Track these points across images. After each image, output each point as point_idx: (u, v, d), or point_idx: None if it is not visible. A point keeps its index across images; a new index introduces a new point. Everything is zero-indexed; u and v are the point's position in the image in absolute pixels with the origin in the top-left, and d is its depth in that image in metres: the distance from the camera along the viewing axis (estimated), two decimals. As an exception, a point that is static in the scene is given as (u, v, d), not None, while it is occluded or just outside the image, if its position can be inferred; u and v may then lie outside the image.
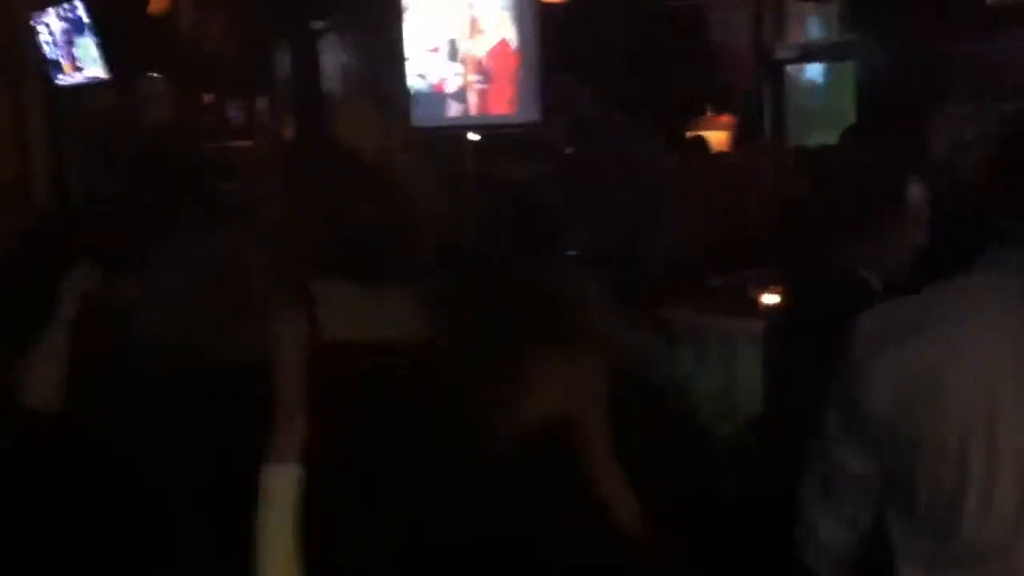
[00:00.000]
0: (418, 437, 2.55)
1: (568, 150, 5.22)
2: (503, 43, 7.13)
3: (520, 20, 6.95)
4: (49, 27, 7.74)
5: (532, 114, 7.03)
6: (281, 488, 2.50)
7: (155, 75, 6.54)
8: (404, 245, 2.69)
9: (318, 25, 6.83)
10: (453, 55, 7.24)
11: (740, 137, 7.24)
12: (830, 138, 4.62)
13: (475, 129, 7.12)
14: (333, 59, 6.43)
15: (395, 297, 2.62)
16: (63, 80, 7.68)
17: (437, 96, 7.28)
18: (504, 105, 7.28)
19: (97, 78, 7.24)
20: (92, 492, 2.69)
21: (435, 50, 7.17)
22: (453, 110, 7.34)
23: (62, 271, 2.78)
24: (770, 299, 3.57)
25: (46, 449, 2.74)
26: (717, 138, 7.23)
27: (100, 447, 2.69)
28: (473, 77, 7.26)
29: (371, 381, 2.51)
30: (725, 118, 7.68)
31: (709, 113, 7.75)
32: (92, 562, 2.67)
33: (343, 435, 2.57)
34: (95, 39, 7.21)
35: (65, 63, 7.66)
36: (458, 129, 7.16)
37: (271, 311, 2.63)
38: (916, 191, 2.73)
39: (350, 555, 2.47)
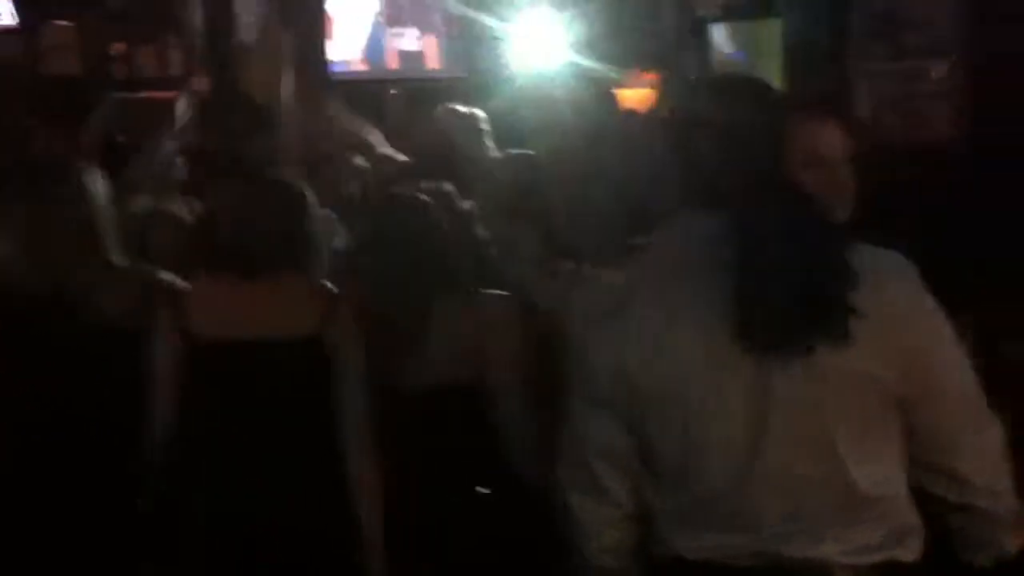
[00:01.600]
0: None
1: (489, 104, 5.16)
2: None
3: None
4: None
5: (459, 70, 6.94)
6: None
7: (62, 23, 6.33)
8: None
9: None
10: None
11: (666, 96, 7.20)
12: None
13: (397, 83, 7.00)
14: (247, 8, 6.25)
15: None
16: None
17: (360, 49, 7.15)
18: (428, 59, 7.17)
19: (3, 25, 6.97)
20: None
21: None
22: (375, 64, 7.21)
23: None
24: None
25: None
26: (644, 97, 7.19)
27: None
28: (394, 31, 7.14)
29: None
30: (651, 76, 7.64)
31: (636, 71, 7.71)
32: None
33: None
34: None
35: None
36: (379, 83, 7.02)
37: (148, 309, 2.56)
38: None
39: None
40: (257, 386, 2.47)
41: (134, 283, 2.62)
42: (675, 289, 1.71)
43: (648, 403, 1.72)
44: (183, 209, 3.59)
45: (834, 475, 1.68)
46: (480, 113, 4.27)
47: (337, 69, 7.04)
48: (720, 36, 6.58)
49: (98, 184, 2.71)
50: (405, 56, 7.24)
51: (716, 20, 6.54)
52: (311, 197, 2.72)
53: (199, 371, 2.51)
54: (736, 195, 1.70)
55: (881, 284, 1.68)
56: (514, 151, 4.03)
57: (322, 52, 6.74)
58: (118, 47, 6.45)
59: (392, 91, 6.94)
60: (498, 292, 2.81)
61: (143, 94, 5.72)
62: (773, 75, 5.32)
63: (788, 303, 1.62)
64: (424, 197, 2.93)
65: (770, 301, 1.62)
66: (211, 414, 2.51)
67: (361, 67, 7.25)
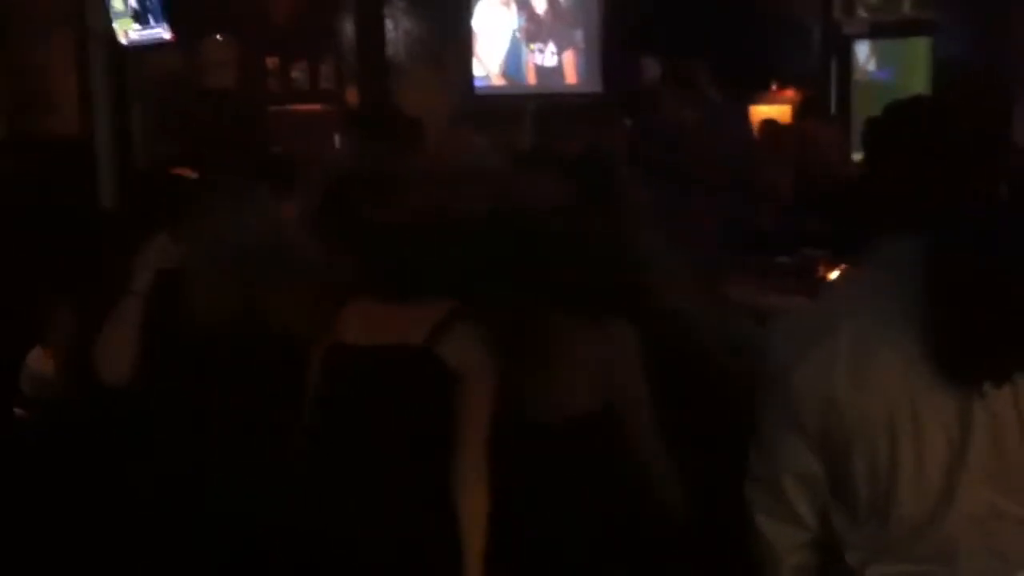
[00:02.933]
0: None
1: (628, 121, 5.21)
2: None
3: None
4: (115, -13, 7.78)
5: (595, 85, 6.99)
6: None
7: (219, 37, 6.56)
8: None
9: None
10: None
11: (804, 113, 7.14)
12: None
13: (536, 99, 7.08)
14: (399, 24, 6.41)
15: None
16: (128, 39, 7.73)
17: (499, 64, 7.25)
18: (566, 75, 7.24)
19: (162, 39, 7.26)
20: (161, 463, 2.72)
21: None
22: (513, 79, 7.31)
23: (134, 242, 2.79)
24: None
25: (121, 422, 2.78)
26: (780, 113, 7.14)
27: (169, 419, 2.71)
28: (535, 46, 7.23)
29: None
30: (789, 93, 7.58)
31: (773, 88, 7.65)
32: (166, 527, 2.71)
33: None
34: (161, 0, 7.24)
35: (128, 21, 7.71)
36: (518, 98, 7.12)
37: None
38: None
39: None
40: (368, 391, 2.48)
41: (315, 298, 2.67)
42: (880, 316, 1.69)
43: (850, 431, 1.71)
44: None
45: None
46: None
47: (478, 84, 7.18)
48: (864, 54, 6.49)
49: (269, 198, 2.81)
50: (543, 71, 7.33)
51: (862, 38, 6.45)
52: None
53: (325, 373, 2.55)
54: (937, 219, 1.67)
55: None
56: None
57: (468, 69, 6.88)
58: (272, 62, 6.66)
59: (530, 106, 7.04)
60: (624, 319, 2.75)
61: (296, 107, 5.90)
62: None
63: (991, 331, 1.61)
64: (562, 217, 2.90)
65: (973, 329, 1.61)
66: (330, 416, 2.52)
67: (501, 82, 7.37)
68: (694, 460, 2.55)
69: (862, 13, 6.54)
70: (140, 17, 7.41)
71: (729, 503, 1.97)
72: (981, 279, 1.62)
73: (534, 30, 7.32)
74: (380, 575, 2.44)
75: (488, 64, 7.32)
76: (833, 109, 7.04)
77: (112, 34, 7.56)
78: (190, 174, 3.44)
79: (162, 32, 7.16)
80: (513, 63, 7.35)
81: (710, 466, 2.44)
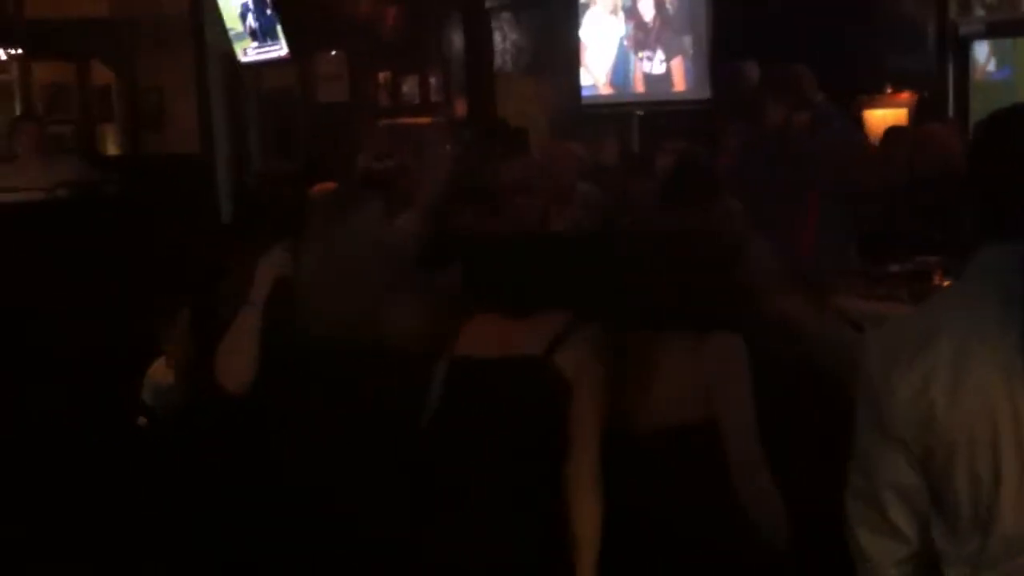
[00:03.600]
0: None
1: (735, 128, 5.17)
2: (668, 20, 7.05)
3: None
4: (232, 5, 8.00)
5: (703, 91, 6.93)
6: None
7: (332, 52, 6.69)
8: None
9: (492, 2, 6.87)
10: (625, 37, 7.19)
11: (920, 116, 6.98)
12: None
13: (643, 106, 7.06)
14: (505, 36, 6.47)
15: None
16: (245, 57, 7.94)
17: (607, 72, 7.25)
18: (674, 82, 7.20)
19: (277, 56, 7.45)
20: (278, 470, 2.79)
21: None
22: (621, 88, 7.30)
23: (252, 252, 2.87)
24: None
25: (242, 430, 2.84)
26: (896, 116, 6.99)
27: (286, 425, 2.78)
28: (643, 54, 7.20)
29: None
30: (905, 96, 7.41)
31: (888, 91, 7.50)
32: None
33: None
34: (276, 17, 7.41)
35: (247, 41, 7.92)
36: (626, 106, 7.11)
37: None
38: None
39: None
40: (488, 402, 2.50)
41: (430, 311, 2.71)
42: (981, 327, 1.66)
43: (950, 444, 1.67)
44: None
45: None
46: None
47: (586, 94, 7.18)
48: (983, 54, 6.31)
49: (382, 209, 2.87)
50: (650, 79, 7.29)
51: (980, 37, 6.27)
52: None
53: (448, 386, 2.58)
54: None
55: None
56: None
57: (576, 79, 6.89)
58: (384, 75, 6.76)
59: (639, 113, 7.02)
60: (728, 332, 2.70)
61: (406, 120, 5.99)
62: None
63: None
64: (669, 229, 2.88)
65: None
66: (452, 427, 2.54)
67: (608, 91, 7.36)
68: (799, 476, 2.50)
69: (979, 12, 6.36)
70: (257, 36, 7.62)
71: (832, 520, 1.93)
72: None
73: (642, 38, 7.29)
74: None
75: (596, 73, 7.32)
76: (951, 111, 6.87)
77: (231, 53, 7.79)
78: (325, 187, 3.50)
79: (278, 50, 7.35)
80: (620, 71, 7.33)
81: (816, 483, 2.34)
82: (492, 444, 2.47)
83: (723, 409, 2.54)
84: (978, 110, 6.76)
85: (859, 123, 5.46)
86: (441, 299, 2.83)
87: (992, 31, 6.14)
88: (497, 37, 6.49)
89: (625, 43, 7.30)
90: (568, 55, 7.05)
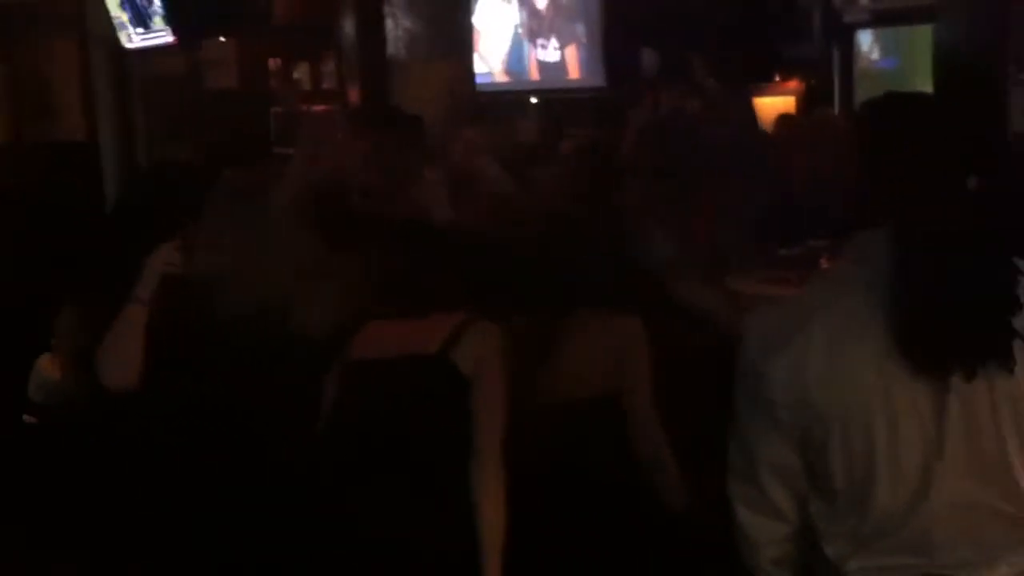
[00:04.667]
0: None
1: (632, 113, 5.21)
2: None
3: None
4: (117, -10, 7.79)
5: (597, 79, 6.97)
6: None
7: (221, 39, 6.55)
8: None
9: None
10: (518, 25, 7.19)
11: (807, 104, 7.12)
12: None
13: (538, 93, 7.08)
14: (398, 23, 6.41)
15: None
16: (131, 43, 7.74)
17: (502, 60, 7.24)
18: (569, 70, 7.23)
19: (164, 42, 7.27)
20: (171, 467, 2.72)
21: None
22: (516, 75, 7.30)
23: (138, 247, 2.78)
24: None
25: (125, 427, 2.76)
26: (785, 104, 7.12)
27: (181, 424, 2.71)
28: (538, 41, 7.22)
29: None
30: (792, 84, 7.55)
31: (776, 79, 7.63)
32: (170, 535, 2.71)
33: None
34: (162, 3, 7.24)
35: (133, 26, 7.72)
36: (521, 93, 7.12)
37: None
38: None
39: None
40: (385, 403, 2.49)
41: (333, 298, 2.67)
42: (853, 307, 1.71)
43: (825, 425, 1.71)
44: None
45: (1011, 501, 1.68)
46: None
47: (481, 81, 7.17)
48: (868, 42, 6.45)
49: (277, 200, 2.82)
50: (545, 67, 7.32)
51: (865, 26, 6.41)
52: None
53: (343, 390, 2.55)
54: (917, 213, 1.69)
55: None
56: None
57: (470, 66, 6.87)
58: (274, 62, 6.65)
59: (533, 100, 7.04)
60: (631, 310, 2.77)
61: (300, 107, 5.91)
62: (923, 83, 5.23)
63: (955, 324, 1.63)
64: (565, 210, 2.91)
65: (939, 321, 1.63)
66: (348, 429, 2.52)
67: (503, 78, 7.37)
68: (699, 452, 2.55)
69: (863, 1, 6.51)
70: (142, 21, 7.43)
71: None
72: (948, 271, 1.63)
73: (536, 26, 7.31)
74: None
75: (490, 60, 7.32)
76: (837, 100, 7.03)
77: (114, 39, 7.58)
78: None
79: (164, 36, 7.18)
80: (515, 59, 7.34)
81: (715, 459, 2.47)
82: (391, 443, 2.46)
83: (626, 385, 2.63)
84: (863, 99, 6.91)
85: (749, 109, 5.54)
86: (352, 287, 2.80)
87: (877, 20, 6.28)
88: (390, 23, 6.44)
89: (519, 31, 7.31)
90: (462, 42, 7.03)
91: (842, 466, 1.71)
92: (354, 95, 5.13)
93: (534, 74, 7.33)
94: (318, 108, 5.17)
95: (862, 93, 6.79)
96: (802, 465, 1.77)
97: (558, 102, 6.85)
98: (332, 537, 2.48)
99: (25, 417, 3.76)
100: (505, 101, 7.07)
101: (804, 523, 1.80)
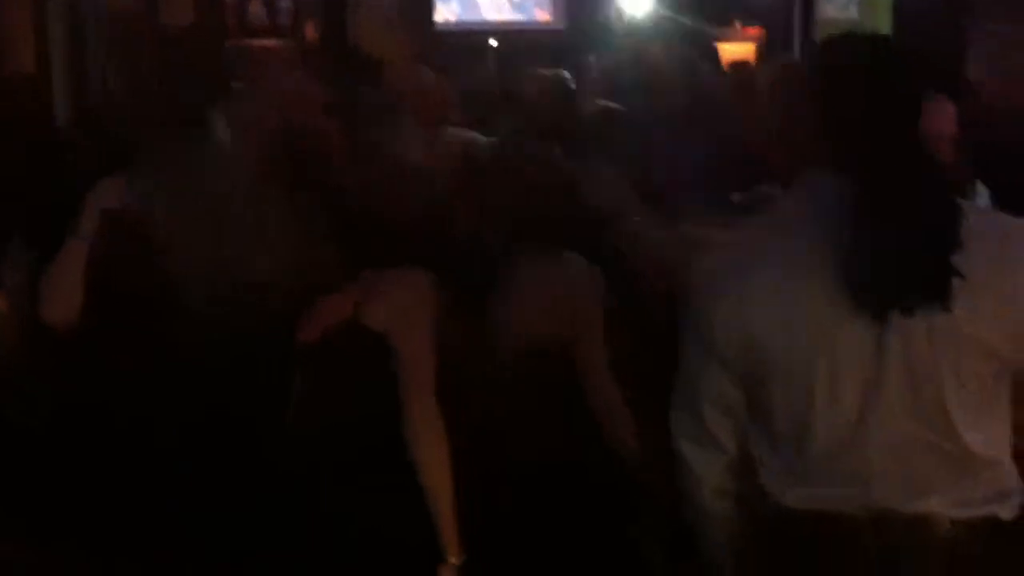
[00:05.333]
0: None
1: (592, 57, 5.18)
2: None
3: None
4: (69, -81, 7.59)
5: (560, 22, 6.93)
6: None
7: (176, -28, 6.41)
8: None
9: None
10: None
11: (768, 52, 7.12)
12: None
13: (499, 35, 7.02)
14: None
15: None
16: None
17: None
18: (529, 11, 7.17)
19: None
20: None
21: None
22: (476, 16, 7.23)
23: (84, 181, 2.73)
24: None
25: (63, 367, 2.70)
26: (745, 52, 7.11)
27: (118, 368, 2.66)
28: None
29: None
30: (754, 31, 7.55)
31: (737, 26, 7.62)
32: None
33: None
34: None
35: (85, -43, 7.54)
36: (482, 35, 7.05)
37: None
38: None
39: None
40: (334, 383, 2.51)
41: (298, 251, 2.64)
42: (796, 248, 1.73)
43: (767, 361, 1.75)
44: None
45: (946, 438, 1.71)
46: (564, 73, 4.24)
47: (440, 20, 7.09)
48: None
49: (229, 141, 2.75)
50: (507, 8, 7.26)
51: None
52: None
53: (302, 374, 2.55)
54: (866, 156, 1.69)
55: (1003, 253, 1.70)
56: (602, 103, 4.03)
57: (430, 6, 6.79)
58: (231, -4, 6.55)
59: (492, 42, 6.98)
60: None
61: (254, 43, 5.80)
62: (883, 32, 5.24)
63: (895, 260, 1.65)
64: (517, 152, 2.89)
65: (879, 257, 1.66)
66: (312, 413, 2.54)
67: (464, 18, 7.30)
68: (648, 397, 2.56)
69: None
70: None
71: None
72: (891, 209, 1.66)
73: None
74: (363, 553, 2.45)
75: (450, 2, 7.24)
76: (797, 48, 7.03)
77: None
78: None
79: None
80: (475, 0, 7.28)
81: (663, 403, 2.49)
82: (357, 421, 2.46)
83: (576, 334, 2.62)
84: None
85: (712, 57, 5.54)
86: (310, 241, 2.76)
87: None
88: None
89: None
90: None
91: (783, 402, 1.75)
92: (311, 31, 5.06)
93: (494, 15, 7.27)
94: (272, 44, 5.09)
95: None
96: (743, 399, 1.81)
97: (521, 44, 6.80)
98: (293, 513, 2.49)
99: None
100: (466, 43, 7.00)
101: (744, 454, 1.85)
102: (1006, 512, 1.77)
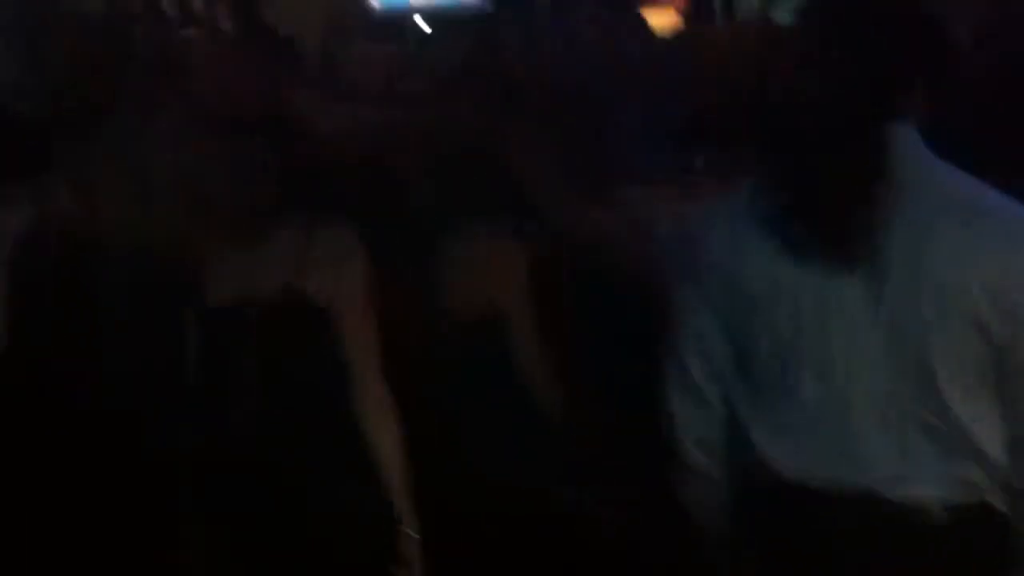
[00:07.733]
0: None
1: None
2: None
3: None
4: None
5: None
6: None
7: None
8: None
9: None
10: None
11: (693, 15, 7.10)
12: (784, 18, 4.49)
13: (422, 11, 6.92)
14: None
15: None
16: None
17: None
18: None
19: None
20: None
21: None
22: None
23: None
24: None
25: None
26: (668, 17, 7.08)
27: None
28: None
29: None
30: (677, -1, 7.53)
31: (660, -8, 7.59)
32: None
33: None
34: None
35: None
36: (404, 11, 6.94)
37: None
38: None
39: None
40: (249, 350, 2.43)
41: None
42: (760, 209, 1.79)
43: (751, 314, 1.79)
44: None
45: (935, 413, 1.70)
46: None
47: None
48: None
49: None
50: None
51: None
52: None
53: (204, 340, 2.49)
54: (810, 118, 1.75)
55: (976, 221, 1.70)
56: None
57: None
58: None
59: (417, 19, 6.88)
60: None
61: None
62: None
63: (814, 197, 1.69)
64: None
65: (809, 214, 1.70)
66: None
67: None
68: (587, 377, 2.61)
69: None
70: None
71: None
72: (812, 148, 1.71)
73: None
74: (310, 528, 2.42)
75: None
76: (718, 13, 7.04)
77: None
78: None
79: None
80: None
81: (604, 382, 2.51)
82: (267, 388, 2.39)
83: (508, 306, 2.62)
84: (744, 13, 6.93)
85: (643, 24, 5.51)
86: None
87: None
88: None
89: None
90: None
91: (765, 354, 1.77)
92: (223, 18, 4.91)
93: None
94: (186, 32, 4.95)
95: (745, 8, 6.82)
96: (731, 353, 1.83)
97: (444, 21, 6.71)
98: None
99: None
100: (389, 20, 6.91)
101: (729, 408, 1.87)
102: (998, 501, 1.74)
